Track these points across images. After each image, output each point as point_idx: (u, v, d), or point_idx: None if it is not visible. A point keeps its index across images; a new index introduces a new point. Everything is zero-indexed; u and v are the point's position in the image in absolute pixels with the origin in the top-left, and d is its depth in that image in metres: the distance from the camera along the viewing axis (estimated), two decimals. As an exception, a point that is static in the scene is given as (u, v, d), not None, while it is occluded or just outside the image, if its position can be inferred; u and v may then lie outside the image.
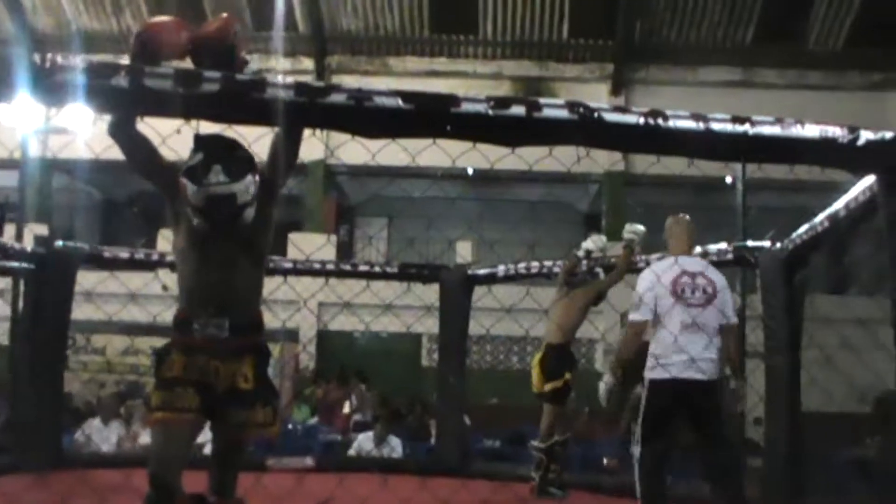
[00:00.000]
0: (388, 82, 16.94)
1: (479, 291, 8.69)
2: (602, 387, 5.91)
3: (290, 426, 12.82)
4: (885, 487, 4.68)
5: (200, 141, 3.61)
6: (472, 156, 3.68)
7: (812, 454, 6.77)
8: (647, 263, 6.20)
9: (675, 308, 5.34)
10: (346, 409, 13.96)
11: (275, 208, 3.85)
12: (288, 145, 3.77)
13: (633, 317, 5.45)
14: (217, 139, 3.61)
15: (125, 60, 3.29)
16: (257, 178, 3.66)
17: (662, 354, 5.31)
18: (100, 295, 7.37)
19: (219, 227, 3.63)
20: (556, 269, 7.83)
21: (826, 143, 3.51)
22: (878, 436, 12.63)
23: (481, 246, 17.82)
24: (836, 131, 3.52)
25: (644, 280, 5.52)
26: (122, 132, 3.63)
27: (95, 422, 11.06)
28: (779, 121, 3.52)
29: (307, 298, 9.94)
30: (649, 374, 5.38)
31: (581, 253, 7.52)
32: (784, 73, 17.95)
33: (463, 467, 8.12)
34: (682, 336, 5.26)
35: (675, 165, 3.93)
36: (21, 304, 8.10)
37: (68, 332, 8.32)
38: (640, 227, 7.43)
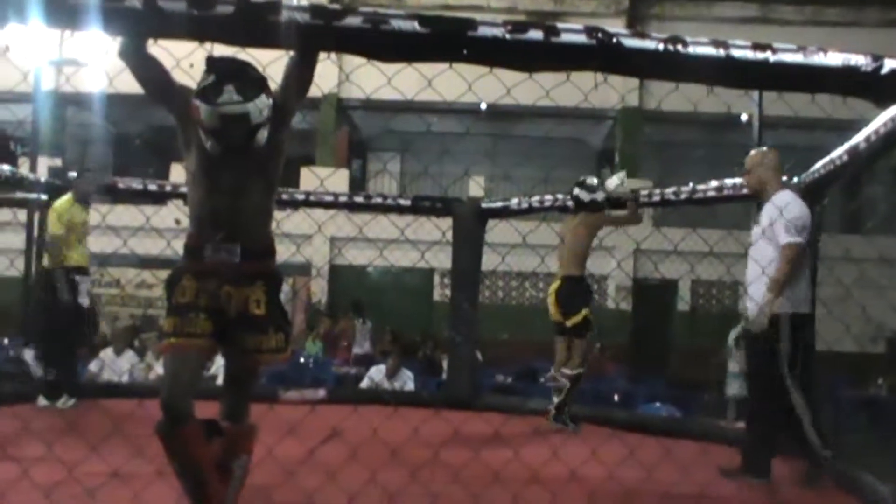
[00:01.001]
0: (403, 14, 16.88)
1: (489, 225, 8.69)
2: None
3: (302, 359, 12.92)
4: (892, 426, 4.70)
5: (213, 62, 3.57)
6: (485, 88, 3.63)
7: (824, 392, 6.80)
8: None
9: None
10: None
11: (286, 134, 3.82)
12: (302, 69, 3.72)
13: (798, 239, 5.18)
14: (230, 61, 3.57)
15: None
16: (270, 100, 3.64)
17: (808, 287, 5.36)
18: (113, 227, 7.37)
19: (232, 148, 3.61)
20: (570, 203, 7.79)
21: (849, 72, 3.44)
22: (888, 376, 12.73)
23: (494, 179, 17.81)
24: (859, 59, 3.45)
25: (800, 204, 5.30)
26: (133, 54, 3.59)
27: (109, 352, 11.17)
28: (801, 48, 3.46)
29: (317, 230, 9.92)
30: (802, 307, 5.30)
31: (600, 195, 7.44)
32: (801, 9, 17.78)
33: (473, 401, 8.17)
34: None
35: (690, 100, 3.90)
36: (35, 235, 8.13)
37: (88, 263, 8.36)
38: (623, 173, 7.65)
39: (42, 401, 7.34)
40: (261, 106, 3.57)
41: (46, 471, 4.22)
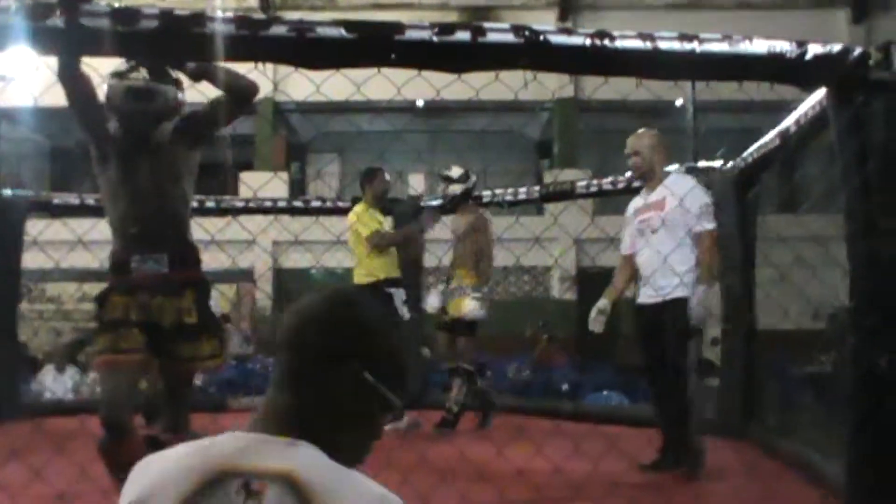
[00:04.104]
0: (333, 16, 16.73)
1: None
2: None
3: (249, 366, 12.82)
4: (837, 402, 4.75)
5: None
6: (419, 86, 3.63)
7: (767, 371, 6.88)
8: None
9: None
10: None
11: (199, 146, 3.83)
12: (232, 108, 3.78)
13: (712, 226, 5.11)
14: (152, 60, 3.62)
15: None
16: (181, 96, 3.72)
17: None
18: (50, 242, 7.25)
19: (136, 130, 3.66)
20: (508, 197, 7.81)
21: (774, 59, 3.50)
22: (830, 352, 12.88)
23: (433, 177, 17.80)
24: (784, 46, 3.50)
25: (702, 190, 5.24)
26: (68, 74, 3.56)
27: (50, 369, 11.03)
28: (726, 37, 3.51)
29: (257, 236, 9.84)
30: (693, 290, 5.06)
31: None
32: (732, -7, 17.96)
33: (422, 398, 8.14)
34: None
35: (624, 89, 3.92)
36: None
37: (20, 282, 8.23)
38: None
39: None
40: (167, 93, 3.65)
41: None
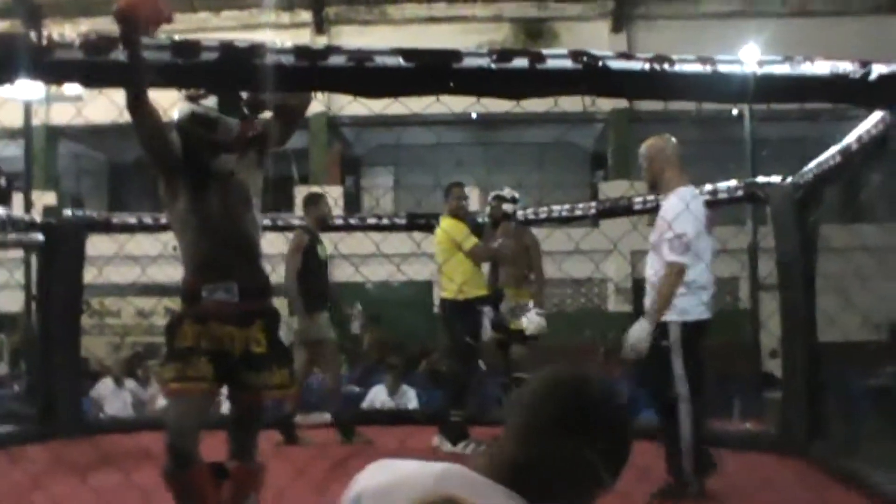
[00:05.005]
0: (387, 31, 16.82)
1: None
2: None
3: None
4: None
5: None
6: (472, 98, 3.61)
7: (830, 385, 6.77)
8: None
9: (707, 240, 5.00)
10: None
11: (259, 165, 3.87)
12: (283, 131, 3.84)
13: (683, 260, 4.81)
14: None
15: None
16: (250, 134, 3.72)
17: (705, 288, 4.97)
18: (110, 259, 7.36)
19: (197, 156, 3.68)
20: (565, 213, 7.80)
21: (837, 80, 3.45)
22: (893, 363, 12.67)
23: (488, 192, 17.77)
24: (846, 67, 3.44)
25: (686, 218, 4.81)
26: (136, 106, 3.59)
27: (108, 382, 11.15)
28: (787, 59, 3.46)
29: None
30: (693, 313, 4.91)
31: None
32: (787, 1, 17.75)
33: (480, 414, 8.10)
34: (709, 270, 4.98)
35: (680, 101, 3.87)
36: (35, 273, 8.13)
37: (82, 299, 8.36)
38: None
39: None
40: (229, 124, 3.63)
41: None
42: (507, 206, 7.50)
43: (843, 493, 5.13)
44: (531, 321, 7.14)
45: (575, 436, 1.58)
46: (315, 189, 16.78)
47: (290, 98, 3.76)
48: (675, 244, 4.82)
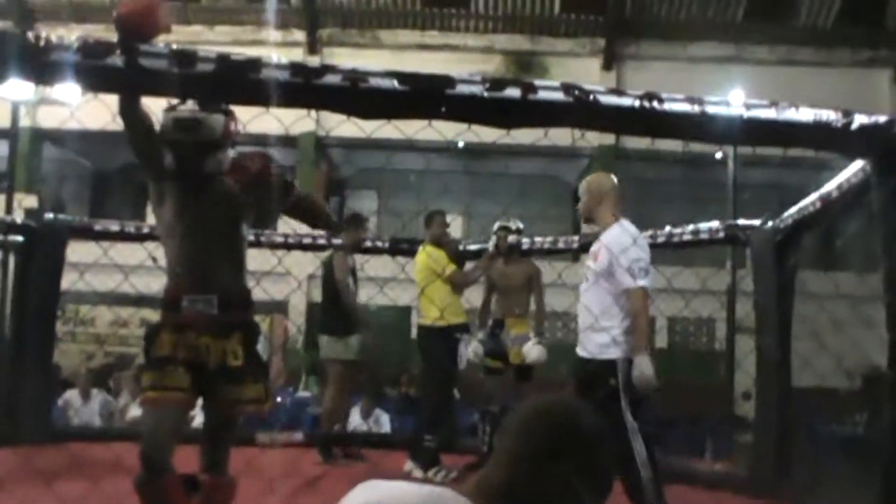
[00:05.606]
0: (379, 55, 16.89)
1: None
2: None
3: (279, 399, 12.84)
4: (872, 463, 4.66)
5: None
6: (460, 127, 3.64)
7: (801, 430, 6.82)
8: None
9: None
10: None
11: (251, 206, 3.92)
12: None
13: (644, 283, 4.75)
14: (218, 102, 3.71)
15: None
16: (233, 126, 3.77)
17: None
18: (88, 266, 7.32)
19: (185, 161, 3.70)
20: (547, 245, 7.84)
21: (820, 128, 3.51)
22: (865, 412, 12.75)
23: (472, 220, 17.82)
24: (829, 115, 3.52)
25: (639, 245, 4.82)
26: (128, 112, 3.61)
27: (74, 393, 11.06)
28: (773, 104, 3.52)
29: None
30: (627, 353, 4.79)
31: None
32: (774, 49, 17.96)
33: (450, 442, 8.10)
34: None
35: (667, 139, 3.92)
36: (10, 275, 8.08)
37: (58, 304, 8.30)
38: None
39: None
40: (214, 123, 3.68)
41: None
42: (511, 238, 7.52)
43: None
44: (531, 350, 7.17)
45: (562, 463, 1.62)
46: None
47: (316, 206, 3.91)
48: (635, 269, 4.75)
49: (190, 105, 3.66)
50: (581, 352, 5.01)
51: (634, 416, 4.74)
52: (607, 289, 4.83)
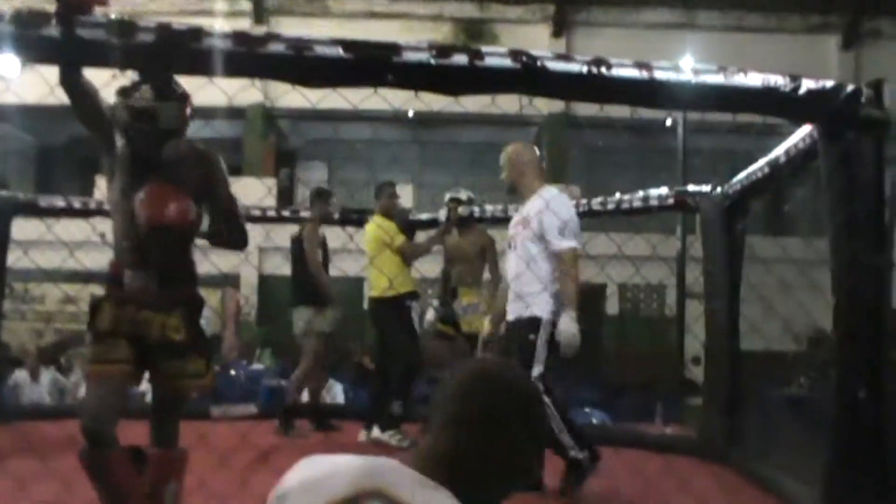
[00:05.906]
0: (327, 24, 16.74)
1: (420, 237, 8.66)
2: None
3: (233, 372, 12.79)
4: (818, 424, 4.75)
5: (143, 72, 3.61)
6: (410, 96, 3.62)
7: (750, 393, 6.90)
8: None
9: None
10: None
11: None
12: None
13: (574, 243, 4.93)
14: (157, 72, 3.61)
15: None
16: (189, 112, 3.72)
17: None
18: (35, 243, 7.21)
19: (142, 149, 3.65)
20: (499, 214, 7.84)
21: (768, 93, 3.52)
22: (810, 374, 12.96)
23: (422, 190, 17.78)
24: (778, 80, 3.53)
25: (568, 205, 5.09)
26: (70, 82, 3.53)
27: (23, 372, 10.93)
28: (721, 70, 3.53)
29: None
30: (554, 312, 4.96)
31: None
32: (724, 15, 18.05)
33: (406, 413, 8.10)
34: None
35: (617, 107, 3.92)
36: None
37: (5, 282, 8.17)
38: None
39: None
40: (171, 112, 3.62)
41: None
42: (462, 209, 7.53)
43: (757, 496, 5.26)
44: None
45: (503, 426, 1.61)
46: (251, 179, 16.71)
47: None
48: (565, 231, 4.91)
49: (144, 92, 3.58)
50: (510, 315, 5.14)
51: (547, 382, 4.83)
52: (537, 253, 4.95)
